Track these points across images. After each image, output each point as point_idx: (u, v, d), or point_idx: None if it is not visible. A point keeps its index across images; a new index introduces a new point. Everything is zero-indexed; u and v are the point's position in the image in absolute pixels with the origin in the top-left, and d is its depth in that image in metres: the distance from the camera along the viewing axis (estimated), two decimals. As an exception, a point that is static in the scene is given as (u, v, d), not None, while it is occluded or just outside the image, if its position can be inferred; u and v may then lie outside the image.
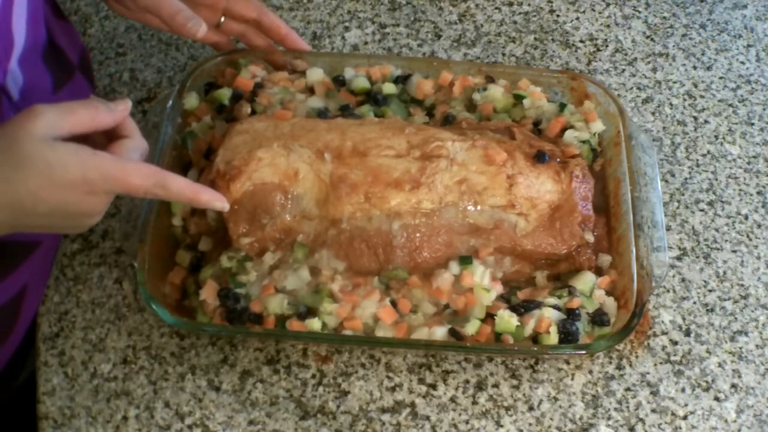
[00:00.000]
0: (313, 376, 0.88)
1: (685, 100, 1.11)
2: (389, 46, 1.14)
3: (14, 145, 0.69)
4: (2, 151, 0.69)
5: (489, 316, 0.85)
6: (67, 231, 0.85)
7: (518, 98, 1.00)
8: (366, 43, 1.14)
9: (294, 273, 0.86)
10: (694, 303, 0.95)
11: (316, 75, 1.00)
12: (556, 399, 0.88)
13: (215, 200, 0.81)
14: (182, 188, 0.77)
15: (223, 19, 0.99)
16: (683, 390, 0.89)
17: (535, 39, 1.16)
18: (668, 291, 0.95)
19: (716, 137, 1.07)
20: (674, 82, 1.12)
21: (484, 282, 0.86)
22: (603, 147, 0.98)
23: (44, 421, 0.86)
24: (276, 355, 0.89)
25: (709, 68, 1.14)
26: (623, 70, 1.13)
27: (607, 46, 1.15)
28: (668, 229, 0.99)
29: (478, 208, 0.89)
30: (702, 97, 1.11)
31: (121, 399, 0.87)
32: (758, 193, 1.03)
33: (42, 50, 0.89)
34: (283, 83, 1.00)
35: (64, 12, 1.05)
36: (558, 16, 1.18)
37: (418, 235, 0.88)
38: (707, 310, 0.94)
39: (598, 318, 0.86)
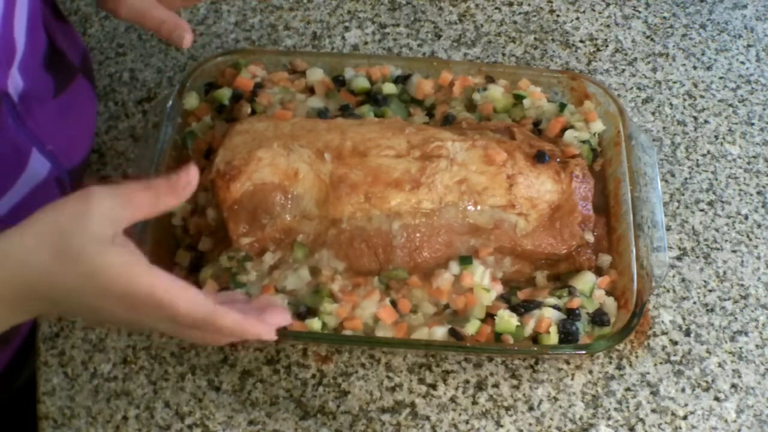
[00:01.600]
0: (313, 376, 0.88)
1: (685, 100, 1.10)
2: (389, 46, 1.14)
3: (64, 238, 0.64)
4: (51, 244, 0.65)
5: (489, 316, 0.85)
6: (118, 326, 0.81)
7: (518, 98, 1.00)
8: (366, 43, 1.14)
9: (294, 273, 0.86)
10: (694, 303, 0.95)
11: (316, 75, 1.00)
12: (556, 399, 0.88)
13: (265, 334, 0.73)
14: (232, 324, 0.69)
15: None
16: (683, 390, 0.89)
17: (535, 39, 1.16)
18: (668, 291, 0.95)
19: (716, 137, 1.07)
20: (674, 82, 1.12)
21: (484, 282, 0.86)
22: (603, 147, 0.98)
23: (44, 421, 0.86)
24: (276, 355, 0.89)
25: (709, 68, 1.14)
26: (623, 70, 1.13)
27: (607, 46, 1.15)
28: (668, 229, 0.99)
29: (478, 208, 0.89)
30: (702, 97, 1.11)
31: (121, 399, 0.86)
32: (758, 193, 1.03)
33: (43, 55, 0.89)
34: (283, 83, 1.00)
35: (64, 12, 1.04)
36: (558, 16, 1.18)
37: (418, 235, 0.88)
38: (707, 310, 0.94)
39: (598, 318, 0.86)
